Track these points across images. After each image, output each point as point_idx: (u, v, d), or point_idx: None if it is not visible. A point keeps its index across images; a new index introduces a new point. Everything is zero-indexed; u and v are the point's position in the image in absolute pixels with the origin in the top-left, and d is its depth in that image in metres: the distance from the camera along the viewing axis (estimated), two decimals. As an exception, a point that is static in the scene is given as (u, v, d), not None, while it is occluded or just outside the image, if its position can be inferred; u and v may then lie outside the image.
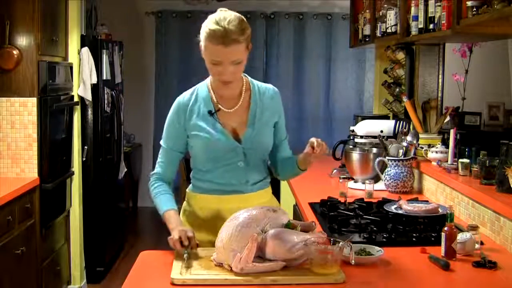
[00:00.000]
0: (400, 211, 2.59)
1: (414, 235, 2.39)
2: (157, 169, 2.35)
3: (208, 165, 2.30)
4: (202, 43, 2.17)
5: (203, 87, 2.32)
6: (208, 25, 2.12)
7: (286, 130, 2.42)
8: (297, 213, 3.25)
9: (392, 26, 3.76)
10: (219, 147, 2.25)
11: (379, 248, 2.14)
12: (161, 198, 2.27)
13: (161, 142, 2.35)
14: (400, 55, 4.26)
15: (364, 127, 3.64)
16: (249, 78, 2.35)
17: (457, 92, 4.19)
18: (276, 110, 2.35)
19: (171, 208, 2.23)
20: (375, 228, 2.48)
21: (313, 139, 2.17)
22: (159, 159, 2.35)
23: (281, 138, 2.40)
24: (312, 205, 2.93)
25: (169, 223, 2.18)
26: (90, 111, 4.60)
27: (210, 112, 2.26)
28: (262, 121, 2.30)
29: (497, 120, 4.18)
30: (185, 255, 2.01)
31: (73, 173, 4.32)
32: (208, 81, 2.33)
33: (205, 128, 2.25)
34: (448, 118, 3.60)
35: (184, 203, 2.43)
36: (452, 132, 3.18)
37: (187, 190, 2.42)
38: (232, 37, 2.08)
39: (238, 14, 2.15)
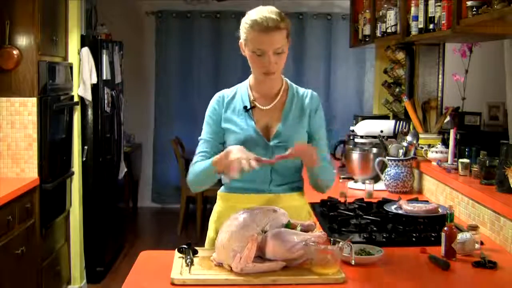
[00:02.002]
0: (400, 211, 2.59)
1: (414, 235, 2.39)
2: (196, 158, 2.30)
3: None
4: (243, 38, 2.22)
5: (244, 85, 2.36)
6: (249, 17, 2.19)
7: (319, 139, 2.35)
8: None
9: (392, 26, 3.76)
10: (249, 144, 2.23)
11: (379, 248, 2.14)
12: (202, 162, 2.24)
13: (201, 136, 2.34)
14: (400, 55, 4.26)
15: (364, 127, 3.64)
16: (289, 82, 2.37)
17: (457, 92, 4.18)
18: (312, 110, 2.32)
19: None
20: (375, 228, 2.48)
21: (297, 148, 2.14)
22: (198, 151, 2.32)
23: (314, 144, 2.30)
24: (312, 205, 2.93)
25: (221, 156, 2.13)
26: (90, 111, 4.60)
27: (245, 108, 2.28)
28: (294, 122, 2.29)
29: (497, 120, 4.17)
30: (187, 261, 2.01)
31: (73, 173, 4.32)
32: (248, 80, 2.35)
33: (238, 124, 2.27)
34: (448, 118, 3.60)
35: (216, 202, 2.41)
36: (452, 132, 3.18)
37: (218, 190, 2.40)
38: (273, 24, 2.14)
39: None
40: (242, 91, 2.34)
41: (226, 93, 2.35)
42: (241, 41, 2.24)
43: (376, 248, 2.15)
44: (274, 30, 2.14)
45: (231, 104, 2.32)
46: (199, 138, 2.35)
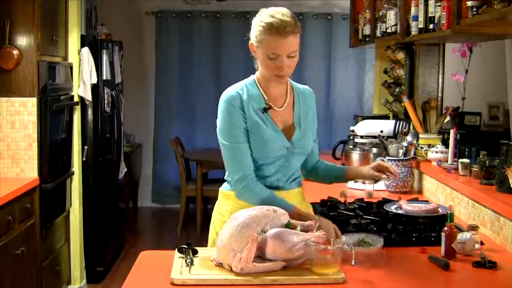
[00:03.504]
0: (400, 211, 2.59)
1: (414, 235, 2.39)
2: (236, 171, 2.22)
3: (257, 162, 2.26)
4: (255, 40, 2.19)
5: (251, 84, 2.29)
6: (263, 19, 2.16)
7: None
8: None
9: (392, 26, 3.76)
10: (273, 146, 2.25)
11: (380, 239, 2.15)
12: (276, 198, 2.23)
13: (224, 141, 2.24)
14: (400, 55, 4.26)
15: (364, 127, 3.64)
16: (289, 79, 2.35)
17: (457, 92, 4.19)
18: (314, 111, 2.42)
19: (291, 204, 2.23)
20: (375, 228, 2.48)
21: (384, 164, 2.36)
22: (229, 158, 2.24)
23: (313, 139, 2.45)
24: (312, 205, 2.92)
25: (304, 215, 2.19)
26: (90, 111, 4.60)
27: (264, 109, 2.25)
28: (306, 123, 2.35)
29: (497, 120, 4.18)
30: (187, 261, 2.01)
31: (73, 173, 4.32)
32: (254, 77, 2.31)
33: (261, 126, 2.24)
34: (448, 118, 3.60)
35: (220, 202, 2.36)
36: (452, 132, 3.18)
37: (222, 189, 2.35)
38: (289, 28, 2.13)
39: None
40: (253, 90, 2.27)
41: (239, 90, 2.25)
42: (252, 42, 2.21)
43: (375, 238, 2.17)
44: (290, 34, 2.13)
45: (248, 104, 2.24)
46: (230, 143, 2.22)
